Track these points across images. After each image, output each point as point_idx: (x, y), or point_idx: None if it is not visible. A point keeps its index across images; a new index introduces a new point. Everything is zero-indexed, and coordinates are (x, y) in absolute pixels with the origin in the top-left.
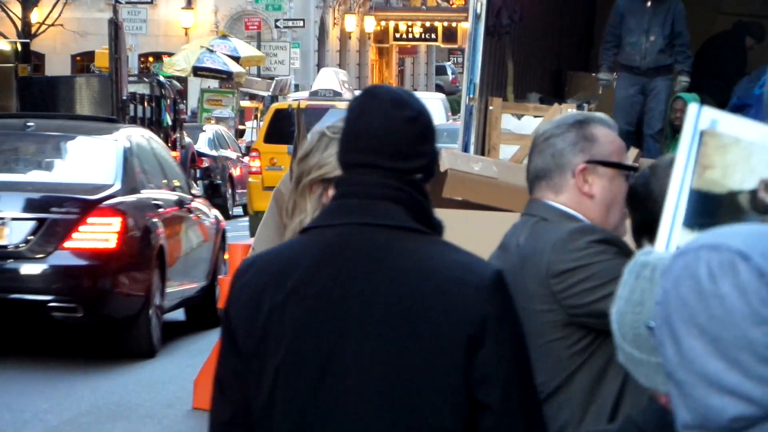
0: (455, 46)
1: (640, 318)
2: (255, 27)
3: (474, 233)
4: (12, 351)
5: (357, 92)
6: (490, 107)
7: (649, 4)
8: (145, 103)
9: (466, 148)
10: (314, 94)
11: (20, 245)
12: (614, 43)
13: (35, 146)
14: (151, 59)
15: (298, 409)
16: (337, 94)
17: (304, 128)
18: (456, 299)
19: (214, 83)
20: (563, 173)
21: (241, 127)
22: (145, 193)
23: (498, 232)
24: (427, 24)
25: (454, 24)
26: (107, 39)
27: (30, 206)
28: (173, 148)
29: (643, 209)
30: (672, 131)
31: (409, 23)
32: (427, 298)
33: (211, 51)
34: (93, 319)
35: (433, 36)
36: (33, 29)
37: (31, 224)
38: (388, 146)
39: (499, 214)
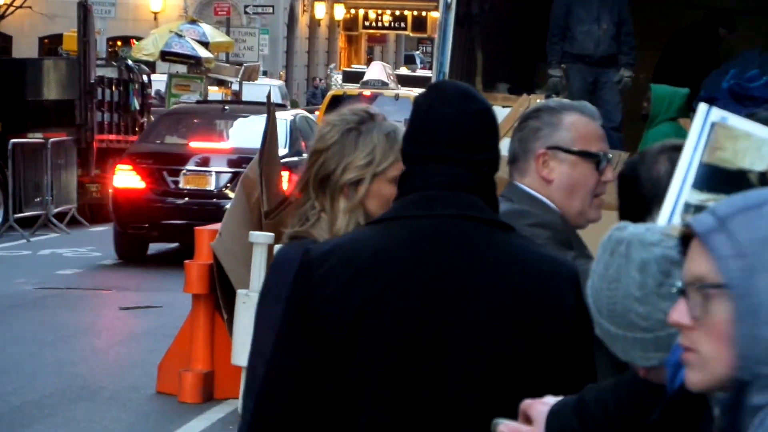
0: (425, 36)
1: (615, 294)
2: (224, 12)
3: None
4: None
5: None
6: None
7: None
8: (113, 87)
9: None
10: (365, 84)
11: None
12: (560, 36)
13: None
14: (119, 43)
15: (396, 398)
16: (384, 85)
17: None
18: (556, 293)
19: (182, 68)
20: (527, 158)
21: None
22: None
23: None
24: (397, 12)
25: (423, 13)
26: (76, 22)
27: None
28: (141, 132)
29: (630, 194)
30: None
31: (379, 11)
32: (529, 291)
33: (180, 36)
34: None
35: (403, 25)
36: (0, 11)
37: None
38: (459, 138)
39: None
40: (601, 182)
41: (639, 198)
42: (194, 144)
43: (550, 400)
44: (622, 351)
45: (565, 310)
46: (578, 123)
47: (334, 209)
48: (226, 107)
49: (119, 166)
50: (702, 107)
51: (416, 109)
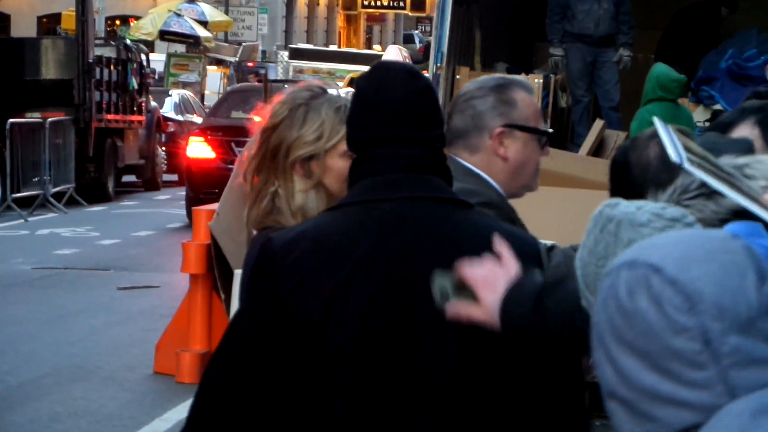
0: (423, 15)
1: (603, 272)
2: None
3: None
4: None
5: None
6: (457, 76)
7: None
8: (112, 67)
9: None
10: None
11: None
12: (561, 15)
13: None
14: (118, 22)
15: (370, 381)
16: None
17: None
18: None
19: (181, 47)
20: (480, 135)
21: (207, 92)
22: None
23: None
24: None
25: None
26: (74, 1)
27: None
28: (139, 112)
29: (621, 179)
30: None
31: None
32: None
33: (179, 15)
34: None
35: (402, 4)
36: None
37: None
38: (412, 116)
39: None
40: (542, 156)
41: (629, 183)
42: (258, 118)
43: (498, 286)
44: None
45: None
46: (527, 100)
47: (287, 187)
48: (286, 85)
49: (192, 138)
50: (656, 121)
51: (361, 92)
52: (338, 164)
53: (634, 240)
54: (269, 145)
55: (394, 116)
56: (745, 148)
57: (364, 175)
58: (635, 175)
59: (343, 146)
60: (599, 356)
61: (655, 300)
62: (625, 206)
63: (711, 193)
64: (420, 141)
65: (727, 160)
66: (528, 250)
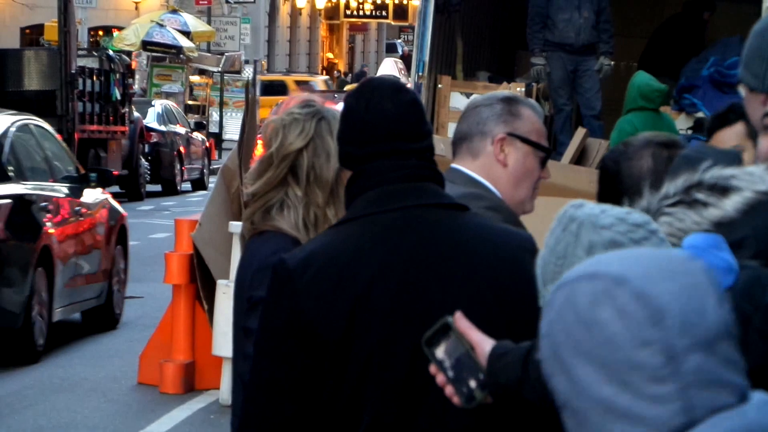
0: (406, 24)
1: (561, 270)
2: (206, 2)
3: None
4: None
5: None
6: (439, 85)
7: None
8: (94, 78)
9: None
10: None
11: None
12: (542, 24)
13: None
14: (100, 33)
15: (395, 391)
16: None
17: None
18: (523, 266)
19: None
20: (483, 139)
21: (190, 102)
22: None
23: None
24: (378, 1)
25: (405, 1)
26: (57, 12)
27: None
28: (122, 122)
29: (610, 187)
30: None
31: (360, 0)
32: (499, 268)
33: (162, 25)
34: None
35: (384, 13)
36: None
37: None
38: (404, 130)
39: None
40: (541, 177)
41: (618, 193)
42: None
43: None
44: None
45: (531, 278)
46: (533, 117)
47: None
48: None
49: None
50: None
51: (351, 109)
52: None
53: (594, 242)
54: (303, 165)
55: (387, 131)
56: (733, 159)
57: (363, 190)
58: (626, 186)
59: None
60: (552, 367)
61: (620, 312)
62: (590, 208)
63: (692, 202)
64: (413, 152)
65: (714, 172)
66: (525, 244)
